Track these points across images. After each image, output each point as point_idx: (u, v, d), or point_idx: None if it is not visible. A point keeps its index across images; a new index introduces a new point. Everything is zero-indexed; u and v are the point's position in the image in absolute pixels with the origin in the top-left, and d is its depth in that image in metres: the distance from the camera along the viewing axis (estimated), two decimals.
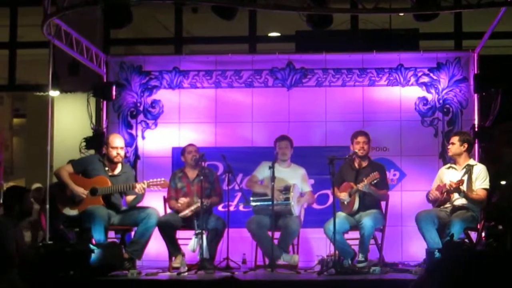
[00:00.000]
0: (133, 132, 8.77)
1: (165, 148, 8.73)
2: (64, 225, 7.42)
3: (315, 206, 8.29)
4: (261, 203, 7.43)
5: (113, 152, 7.49)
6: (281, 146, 7.72)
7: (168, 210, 7.75)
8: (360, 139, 7.55)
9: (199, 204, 7.11)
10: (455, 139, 7.37)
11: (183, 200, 7.42)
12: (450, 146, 7.40)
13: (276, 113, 8.62)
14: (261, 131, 8.59)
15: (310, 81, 8.62)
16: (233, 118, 8.74)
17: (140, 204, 7.52)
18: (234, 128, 8.75)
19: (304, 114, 8.61)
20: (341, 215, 7.31)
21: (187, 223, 7.44)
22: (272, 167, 7.32)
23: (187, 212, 7.33)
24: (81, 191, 7.22)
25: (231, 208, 8.02)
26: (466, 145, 7.40)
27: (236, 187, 7.98)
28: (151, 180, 7.24)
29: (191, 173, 7.75)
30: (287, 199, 7.38)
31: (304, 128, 8.63)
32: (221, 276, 6.18)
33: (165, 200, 7.76)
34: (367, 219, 7.19)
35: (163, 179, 7.28)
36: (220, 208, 8.09)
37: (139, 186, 7.14)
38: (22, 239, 6.41)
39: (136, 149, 8.76)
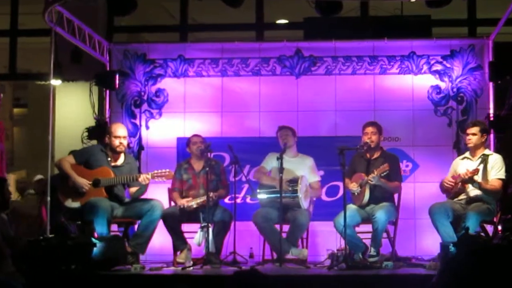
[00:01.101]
0: (137, 122, 8.57)
1: (170, 138, 8.51)
2: (65, 217, 7.26)
3: (324, 198, 8.12)
4: (269, 195, 7.21)
5: (116, 142, 7.32)
6: (282, 136, 7.51)
7: (173, 203, 7.57)
8: (368, 129, 7.35)
9: (205, 198, 6.97)
10: (475, 130, 7.13)
11: (185, 200, 7.30)
12: (470, 137, 7.11)
13: (284, 102, 8.41)
14: (269, 121, 8.36)
15: (319, 69, 8.43)
16: (240, 108, 8.52)
17: (143, 196, 7.38)
18: (241, 117, 8.53)
19: (313, 103, 8.40)
20: (352, 207, 7.10)
21: (192, 216, 7.27)
22: (280, 158, 7.07)
23: (192, 203, 7.12)
24: (84, 183, 7.06)
25: (238, 200, 7.82)
26: (485, 136, 7.19)
27: (243, 179, 7.70)
28: (155, 171, 7.05)
29: (197, 165, 7.55)
30: (295, 191, 7.14)
31: (313, 117, 8.43)
32: (227, 270, 6.26)
33: (169, 191, 7.61)
34: (380, 213, 6.95)
35: (167, 170, 7.08)
36: (226, 200, 7.87)
37: (143, 177, 6.95)
38: (7, 229, 6.36)
39: (139, 139, 8.53)
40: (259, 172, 7.59)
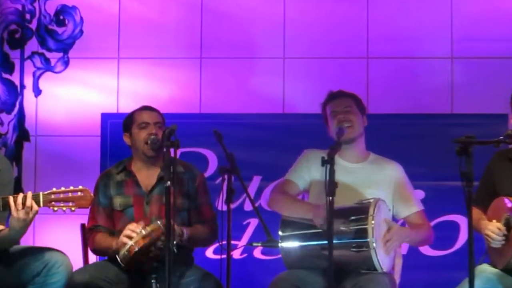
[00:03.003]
0: (14, 79, 6.32)
1: (87, 115, 6.26)
2: None
3: (427, 250, 5.84)
4: (303, 242, 4.81)
5: None
6: (334, 113, 4.93)
7: (93, 257, 5.09)
8: None
9: (159, 233, 4.49)
10: None
11: (130, 229, 4.64)
12: None
13: (341, 39, 6.19)
14: (303, 82, 6.13)
15: None
16: (238, 50, 6.27)
17: (27, 243, 5.12)
18: (241, 71, 6.25)
19: (392, 41, 6.16)
20: (486, 271, 4.74)
21: (135, 282, 4.77)
22: (329, 162, 4.36)
23: (136, 239, 4.55)
24: None
25: (236, 254, 5.87)
26: None
27: (247, 207, 5.73)
28: (53, 190, 4.59)
29: (146, 174, 4.93)
30: (362, 234, 4.60)
31: (395, 72, 6.12)
32: None
33: (86, 232, 5.04)
34: None
35: (81, 188, 4.58)
36: (210, 252, 5.81)
37: (20, 201, 4.56)
38: None
39: (20, 116, 6.30)
40: (282, 192, 5.07)
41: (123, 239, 4.62)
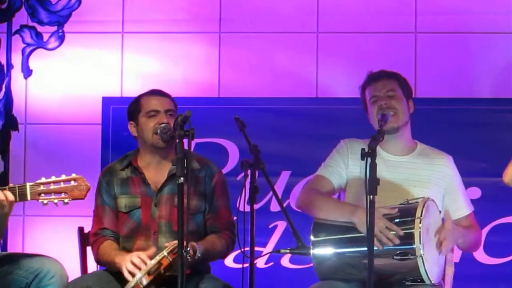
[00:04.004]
0: None
1: (85, 100, 5.76)
2: None
3: (483, 257, 5.39)
4: (339, 250, 4.37)
5: None
6: (376, 97, 4.43)
7: (93, 265, 4.57)
8: None
9: (169, 252, 4.09)
10: None
11: (135, 264, 4.10)
12: None
13: (378, 8, 5.72)
14: (338, 60, 5.66)
15: None
16: (265, 23, 5.71)
17: (14, 250, 5.55)
18: (267, 48, 5.73)
19: (444, 14, 5.70)
20: None
21: None
22: (370, 155, 3.95)
23: (140, 276, 4.05)
24: None
25: (260, 263, 5.51)
26: None
27: (273, 207, 5.34)
28: (42, 180, 4.20)
29: (155, 170, 4.44)
30: (409, 240, 4.13)
31: (447, 50, 5.60)
32: None
33: (90, 237, 4.56)
34: None
35: (74, 175, 4.23)
36: (229, 260, 5.24)
37: (2, 194, 4.30)
38: None
39: (6, 102, 5.88)
40: (313, 190, 4.54)
41: (125, 274, 4.21)
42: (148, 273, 4.02)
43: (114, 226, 4.40)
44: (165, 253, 4.01)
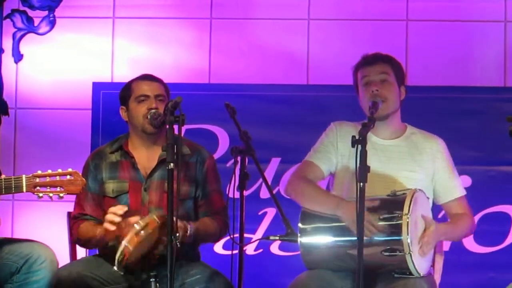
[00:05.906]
0: None
1: (76, 85, 5.78)
2: None
3: (473, 246, 5.45)
4: (326, 239, 4.33)
5: None
6: (369, 76, 4.39)
7: (82, 251, 4.52)
8: None
9: (154, 227, 4.04)
10: None
11: (116, 213, 4.20)
12: None
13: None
14: (329, 47, 5.74)
15: None
16: (256, 9, 5.81)
17: (4, 235, 4.99)
18: (258, 35, 5.82)
19: (435, 1, 5.79)
20: None
21: (131, 282, 4.30)
22: (360, 141, 3.90)
23: (128, 238, 4.00)
24: None
25: (250, 249, 5.52)
26: None
27: (263, 194, 5.41)
28: (38, 173, 4.29)
29: (145, 155, 4.45)
30: (396, 230, 4.10)
31: (439, 38, 5.70)
32: None
33: (73, 223, 4.54)
34: None
35: (70, 170, 4.25)
36: (218, 246, 5.39)
37: None
38: None
39: None
40: (302, 178, 4.52)
41: (106, 225, 4.22)
42: (136, 234, 4.00)
43: (95, 212, 4.42)
44: (153, 216, 4.01)
